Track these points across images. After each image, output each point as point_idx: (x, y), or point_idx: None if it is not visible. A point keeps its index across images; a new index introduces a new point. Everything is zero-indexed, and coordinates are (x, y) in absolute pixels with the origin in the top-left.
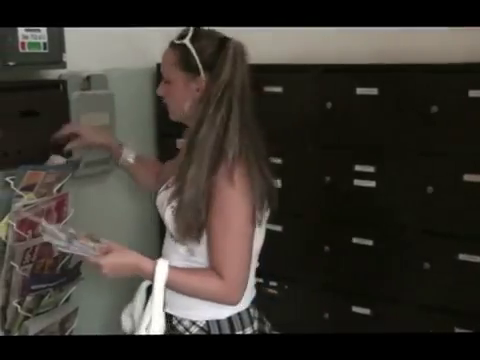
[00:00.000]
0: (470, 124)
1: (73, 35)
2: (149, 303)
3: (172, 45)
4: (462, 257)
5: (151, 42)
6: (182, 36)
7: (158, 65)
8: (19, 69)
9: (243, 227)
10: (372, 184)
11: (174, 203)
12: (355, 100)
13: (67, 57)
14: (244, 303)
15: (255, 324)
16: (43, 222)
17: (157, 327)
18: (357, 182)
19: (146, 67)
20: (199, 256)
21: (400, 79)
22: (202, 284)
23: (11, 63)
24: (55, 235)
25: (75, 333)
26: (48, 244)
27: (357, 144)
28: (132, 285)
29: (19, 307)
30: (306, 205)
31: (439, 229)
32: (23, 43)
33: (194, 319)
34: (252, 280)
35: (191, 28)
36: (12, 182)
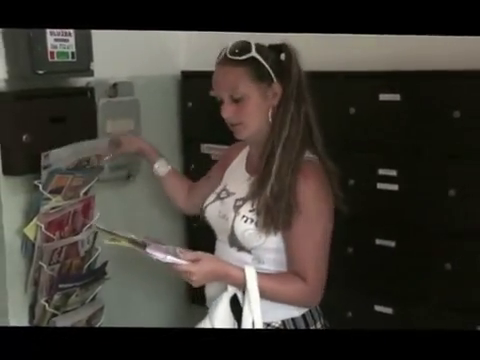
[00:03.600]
0: None
1: (100, 43)
2: (246, 310)
3: (235, 62)
4: None
5: (176, 50)
6: (243, 51)
7: (183, 72)
8: (48, 77)
9: (326, 227)
10: (395, 188)
11: (247, 212)
12: (378, 106)
13: (94, 65)
14: None
15: (322, 319)
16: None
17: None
18: (380, 186)
19: (171, 74)
20: (268, 264)
21: (422, 85)
22: (287, 290)
23: (40, 71)
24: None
25: None
26: (75, 245)
27: (380, 149)
28: (157, 284)
29: (47, 305)
30: None
31: (461, 231)
32: (52, 52)
33: (268, 321)
34: None
35: (248, 42)
36: (40, 185)
